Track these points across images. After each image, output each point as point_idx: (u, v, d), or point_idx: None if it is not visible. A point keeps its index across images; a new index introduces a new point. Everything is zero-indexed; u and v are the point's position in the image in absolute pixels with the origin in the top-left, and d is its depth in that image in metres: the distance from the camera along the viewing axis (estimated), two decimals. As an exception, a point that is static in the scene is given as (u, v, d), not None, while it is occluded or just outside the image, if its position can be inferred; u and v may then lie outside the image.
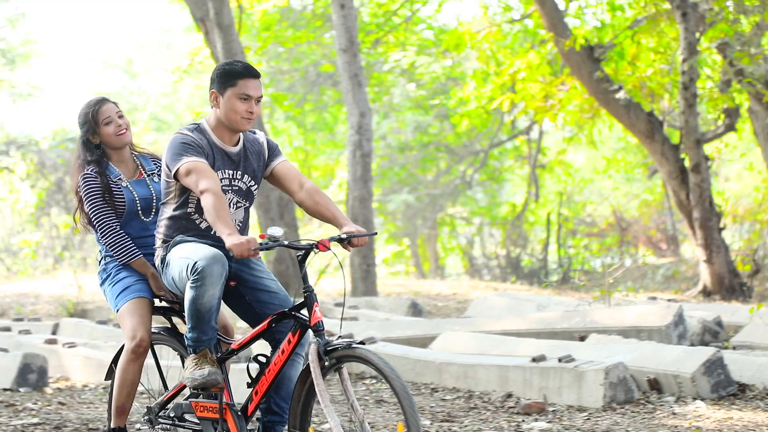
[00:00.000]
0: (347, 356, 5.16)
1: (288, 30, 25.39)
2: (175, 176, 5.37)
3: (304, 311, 5.31)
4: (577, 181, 31.33)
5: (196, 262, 5.21)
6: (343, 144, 29.98)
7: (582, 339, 9.78)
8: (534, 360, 8.07)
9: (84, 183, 5.77)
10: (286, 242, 5.24)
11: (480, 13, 23.78)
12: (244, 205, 5.58)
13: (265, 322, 5.41)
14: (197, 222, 5.48)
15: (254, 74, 5.42)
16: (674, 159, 17.05)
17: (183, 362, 5.72)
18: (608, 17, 22.02)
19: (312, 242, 5.30)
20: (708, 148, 22.38)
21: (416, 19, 26.58)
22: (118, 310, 5.68)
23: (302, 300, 5.32)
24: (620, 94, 17.48)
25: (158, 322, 6.02)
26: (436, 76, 27.78)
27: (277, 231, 5.18)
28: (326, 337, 5.21)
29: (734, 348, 9.34)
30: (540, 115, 20.72)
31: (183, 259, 5.31)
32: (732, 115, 20.60)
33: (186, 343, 5.45)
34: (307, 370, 5.25)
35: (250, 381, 5.44)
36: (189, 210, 5.48)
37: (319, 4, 25.70)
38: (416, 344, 9.99)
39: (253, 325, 5.58)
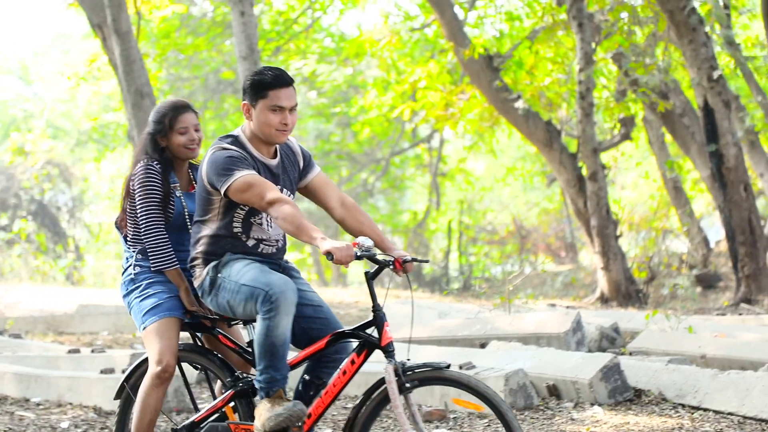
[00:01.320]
0: (433, 378, 4.97)
1: (188, 37, 25.20)
2: (225, 193, 5.00)
3: (370, 330, 5.05)
4: (477, 189, 31.62)
5: (268, 291, 4.89)
6: (243, 152, 29.80)
7: (483, 346, 9.84)
8: (435, 367, 8.08)
9: (145, 175, 5.32)
10: (376, 253, 4.99)
11: (381, 22, 23.89)
12: None
13: (323, 342, 5.09)
14: (243, 240, 5.15)
15: (286, 82, 5.09)
16: (572, 167, 17.30)
17: (208, 380, 5.44)
18: (507, 27, 22.29)
19: (389, 259, 5.05)
20: (605, 157, 22.75)
21: (317, 27, 26.59)
22: (144, 328, 5.27)
23: (370, 319, 5.06)
24: (519, 103, 17.69)
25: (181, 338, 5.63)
26: (337, 85, 27.81)
27: (368, 241, 4.95)
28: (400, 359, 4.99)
29: (631, 354, 9.48)
30: (440, 123, 20.88)
31: (248, 288, 4.97)
32: (628, 124, 20.99)
33: (257, 386, 5.01)
34: (372, 390, 5.03)
35: (303, 401, 5.12)
36: (235, 228, 5.13)
37: (219, 12, 25.55)
38: (318, 353, 9.95)
39: (295, 343, 5.19)
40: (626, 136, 21.80)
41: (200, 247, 5.18)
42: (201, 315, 5.33)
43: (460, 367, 7.92)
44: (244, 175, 4.95)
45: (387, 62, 23.78)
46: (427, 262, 5.44)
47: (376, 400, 5.05)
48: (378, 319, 5.01)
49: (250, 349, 5.20)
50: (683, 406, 7.49)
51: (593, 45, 16.61)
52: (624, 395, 7.71)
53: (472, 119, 22.02)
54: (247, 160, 5.04)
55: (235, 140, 5.15)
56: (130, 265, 5.40)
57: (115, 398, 5.58)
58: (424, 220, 30.71)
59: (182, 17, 24.97)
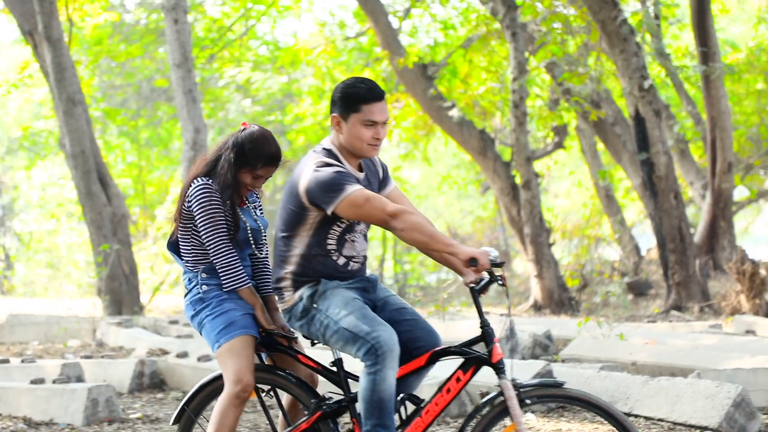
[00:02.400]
0: (550, 395, 4.86)
1: (120, 44, 25.00)
2: (333, 210, 4.78)
3: (477, 347, 4.91)
4: (412, 197, 31.69)
5: (374, 345, 4.73)
6: (177, 160, 29.63)
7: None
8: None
9: (205, 194, 5.08)
10: (503, 263, 4.84)
11: (316, 31, 23.89)
12: (366, 233, 5.12)
13: (423, 359, 4.92)
14: (335, 258, 4.96)
15: (379, 96, 4.92)
16: (506, 176, 17.41)
17: (279, 401, 5.21)
18: (441, 36, 22.39)
19: (497, 276, 4.84)
20: (538, 165, 22.93)
21: (252, 35, 26.51)
22: (218, 347, 5.05)
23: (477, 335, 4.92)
24: (453, 112, 17.77)
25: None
26: (272, 93, 27.73)
27: (494, 251, 4.79)
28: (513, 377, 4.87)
29: (563, 361, 9.55)
30: (375, 131, 20.86)
31: (350, 333, 4.80)
32: (561, 133, 21.19)
33: None
34: (483, 406, 4.89)
35: (400, 422, 4.95)
36: (329, 245, 4.95)
37: (153, 19, 25.39)
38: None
39: None
40: (559, 145, 22.01)
41: (289, 267, 4.98)
42: (278, 333, 5.15)
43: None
44: (357, 190, 4.76)
45: (322, 70, 23.75)
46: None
47: (488, 417, 4.90)
48: (487, 335, 4.86)
49: (334, 368, 5.06)
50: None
51: (526, 54, 16.74)
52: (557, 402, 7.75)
53: (407, 127, 22.09)
54: (352, 175, 4.87)
55: (330, 153, 4.96)
56: (195, 285, 5.18)
57: (174, 423, 5.31)
58: (359, 229, 30.71)
59: (115, 24, 24.77)
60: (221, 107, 28.51)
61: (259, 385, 5.18)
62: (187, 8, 16.76)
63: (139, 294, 16.26)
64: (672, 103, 23.34)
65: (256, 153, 5.12)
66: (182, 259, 5.23)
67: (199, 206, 5.07)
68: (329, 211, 4.80)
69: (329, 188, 4.78)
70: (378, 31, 18.53)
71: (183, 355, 9.67)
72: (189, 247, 5.19)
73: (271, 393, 5.24)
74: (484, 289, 4.88)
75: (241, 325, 5.05)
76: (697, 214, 23.42)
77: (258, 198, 5.40)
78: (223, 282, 5.09)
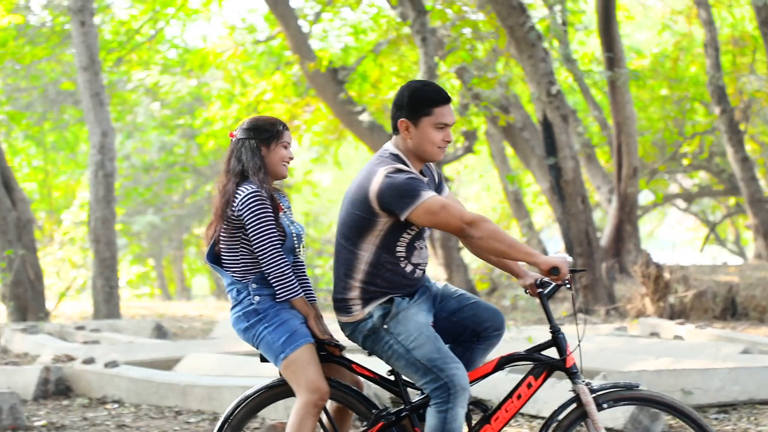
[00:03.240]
0: (626, 398, 4.85)
1: (25, 46, 24.58)
2: (407, 216, 4.67)
3: (548, 352, 4.90)
4: (324, 201, 31.68)
5: (447, 383, 4.67)
6: (85, 164, 29.26)
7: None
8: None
9: (256, 202, 4.91)
10: (577, 269, 4.84)
11: (225, 34, 23.76)
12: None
13: (491, 365, 4.87)
14: (403, 266, 4.83)
15: (448, 98, 4.85)
16: (416, 180, 17.48)
17: (327, 413, 5.06)
18: (352, 40, 22.42)
19: (564, 280, 4.80)
20: (448, 170, 23.07)
21: (160, 38, 26.27)
22: (284, 357, 4.91)
23: (548, 340, 4.91)
24: (364, 116, 17.81)
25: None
26: (181, 96, 27.52)
27: (569, 257, 4.75)
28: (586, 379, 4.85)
29: (472, 363, 9.61)
30: (286, 136, 20.81)
31: (423, 366, 4.71)
32: (470, 137, 21.34)
33: None
34: (559, 411, 4.87)
35: (468, 430, 4.90)
36: (398, 252, 4.82)
37: (59, 21, 25.02)
38: (160, 367, 9.83)
39: (449, 339, 4.95)
40: (469, 149, 22.16)
41: (357, 275, 4.83)
42: (331, 343, 5.01)
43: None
44: (432, 197, 4.66)
45: (232, 74, 23.64)
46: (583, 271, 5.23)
47: (565, 424, 4.86)
48: (558, 339, 4.85)
49: (392, 378, 4.98)
50: (522, 414, 7.62)
51: (436, 59, 16.83)
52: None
53: (317, 131, 22.09)
54: (423, 182, 4.77)
55: (399, 158, 4.84)
56: (245, 296, 4.99)
57: None
58: (269, 233, 30.61)
59: (19, 26, 24.36)
60: (129, 111, 28.21)
61: None
62: (94, 10, 16.56)
63: (45, 300, 16.01)
64: (579, 109, 23.67)
65: (274, 120, 5.10)
66: (227, 270, 5.04)
67: (252, 214, 4.90)
68: (403, 217, 4.68)
69: (405, 194, 4.67)
70: (288, 35, 18.49)
71: (89, 361, 9.54)
72: (237, 257, 5.02)
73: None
74: (552, 293, 4.87)
75: (303, 334, 4.92)
76: (604, 218, 23.77)
77: (289, 203, 5.28)
78: (277, 292, 4.94)
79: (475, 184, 33.09)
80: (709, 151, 26.07)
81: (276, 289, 4.93)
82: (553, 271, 4.62)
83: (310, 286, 5.16)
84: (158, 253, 31.27)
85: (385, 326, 4.80)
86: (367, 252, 4.81)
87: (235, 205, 4.94)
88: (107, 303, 16.11)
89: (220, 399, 8.36)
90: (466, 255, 20.41)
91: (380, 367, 5.05)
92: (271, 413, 7.93)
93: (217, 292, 30.06)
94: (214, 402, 8.40)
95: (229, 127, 23.12)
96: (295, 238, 5.03)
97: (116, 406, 8.97)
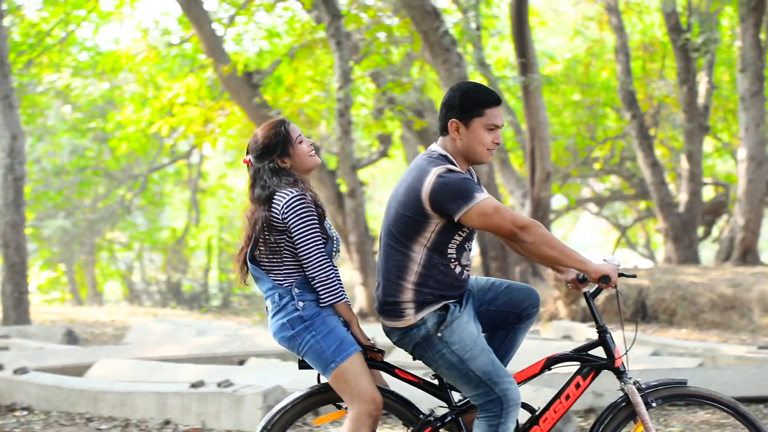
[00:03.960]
0: (675, 395, 4.85)
1: (-67, 47, 24.10)
2: (460, 217, 4.63)
3: (594, 352, 4.88)
4: (238, 205, 31.46)
5: (501, 398, 4.67)
6: (-6, 167, 28.74)
7: (241, 363, 9.81)
8: (193, 386, 8.01)
9: (301, 206, 4.79)
10: (630, 275, 4.80)
11: (139, 36, 23.52)
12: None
13: (538, 365, 4.87)
14: (453, 267, 4.78)
15: (500, 101, 4.84)
16: (331, 184, 17.48)
17: None
18: (266, 44, 22.35)
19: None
20: (363, 174, 23.09)
21: (72, 41, 25.92)
22: (335, 367, 4.80)
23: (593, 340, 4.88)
24: (278, 120, 17.73)
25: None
26: (93, 99, 27.18)
27: (618, 260, 4.74)
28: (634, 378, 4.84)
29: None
30: (200, 139, 20.71)
31: (478, 379, 4.70)
32: (385, 141, 21.39)
33: None
34: (609, 410, 4.86)
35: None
36: (449, 254, 4.76)
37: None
38: (71, 373, 9.70)
39: (491, 327, 4.97)
40: (384, 154, 22.22)
41: (410, 277, 4.77)
42: (374, 348, 4.92)
43: (218, 385, 7.86)
44: (486, 199, 4.63)
45: (145, 77, 23.42)
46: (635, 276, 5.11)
47: (614, 423, 4.86)
48: (605, 339, 4.85)
49: (435, 381, 4.95)
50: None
51: (351, 63, 16.85)
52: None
53: (232, 135, 21.95)
54: (476, 182, 4.77)
55: (448, 160, 4.80)
56: (288, 301, 4.86)
57: None
58: (183, 237, 30.36)
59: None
60: (40, 114, 27.76)
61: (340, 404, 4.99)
62: (4, 12, 16.29)
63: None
64: (493, 113, 23.83)
65: (273, 129, 4.97)
66: (268, 274, 4.91)
67: (297, 217, 4.78)
68: (457, 218, 4.63)
69: (459, 194, 4.62)
70: (202, 38, 18.37)
71: (-2, 368, 9.38)
72: (278, 261, 4.89)
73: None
74: (598, 293, 4.88)
75: (352, 342, 4.82)
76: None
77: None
78: (321, 297, 4.82)
79: (390, 188, 33.17)
80: (620, 156, 26.44)
81: (321, 293, 4.81)
82: (603, 279, 4.62)
83: (342, 288, 5.05)
84: (69, 257, 30.83)
85: (439, 334, 4.73)
86: (418, 254, 4.74)
87: (278, 210, 4.81)
88: (16, 308, 15.84)
89: (133, 405, 8.27)
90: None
91: (423, 370, 5.03)
92: (185, 418, 7.87)
93: (130, 297, 29.74)
94: (126, 408, 8.31)
95: (143, 130, 22.92)
96: (334, 242, 4.94)
97: (25, 413, 8.82)
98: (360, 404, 4.78)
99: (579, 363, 4.90)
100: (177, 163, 29.54)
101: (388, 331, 4.87)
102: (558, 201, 29.50)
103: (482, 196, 4.61)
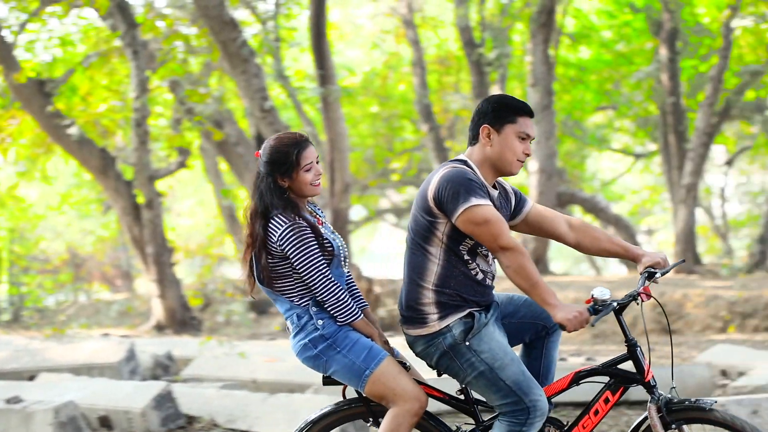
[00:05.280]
0: (697, 418, 4.61)
1: None
2: (455, 218, 4.54)
3: (623, 366, 4.70)
4: (30, 216, 30.55)
5: (530, 408, 4.57)
6: None
7: (32, 378, 9.54)
8: (-20, 404, 7.74)
9: (295, 232, 4.68)
10: (616, 303, 4.53)
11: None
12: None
13: (566, 380, 4.73)
14: (473, 273, 4.67)
15: (533, 113, 4.77)
16: (128, 195, 17.16)
17: None
18: (60, 52, 21.79)
19: (633, 292, 4.63)
20: (161, 185, 22.76)
21: None
22: (370, 374, 4.67)
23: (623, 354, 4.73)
24: (73, 130, 17.33)
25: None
26: None
27: (605, 293, 4.51)
28: (664, 394, 4.63)
29: (184, 381, 9.54)
30: (-11, 149, 20.01)
31: (507, 387, 4.59)
32: (184, 152, 21.15)
33: None
34: (636, 429, 4.70)
35: None
36: (465, 256, 4.65)
37: None
38: None
39: (516, 341, 4.84)
40: (182, 164, 21.96)
41: (430, 278, 4.66)
42: (401, 362, 4.79)
43: (7, 402, 7.62)
44: (482, 206, 4.52)
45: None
46: (683, 262, 4.95)
47: None
48: (635, 353, 4.67)
49: (462, 397, 4.82)
50: (234, 431, 7.62)
51: (148, 73, 16.62)
52: (176, 423, 7.74)
53: (24, 145, 21.30)
54: (484, 188, 4.63)
55: (466, 164, 4.70)
56: (307, 321, 4.76)
57: None
58: (-28, 250, 29.28)
59: None
60: None
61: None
62: None
63: None
64: (292, 124, 23.89)
65: (287, 147, 4.81)
66: (284, 296, 4.80)
67: (293, 248, 4.70)
68: (453, 219, 4.56)
69: (456, 195, 4.54)
70: (-8, 45, 17.77)
71: None
72: (291, 284, 4.80)
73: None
74: (622, 309, 4.68)
75: (380, 348, 4.73)
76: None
77: (325, 215, 5.04)
78: (337, 317, 4.74)
79: (189, 199, 32.80)
80: (418, 168, 26.91)
81: (335, 315, 4.74)
82: (560, 326, 4.52)
83: (361, 296, 5.00)
84: None
85: (467, 343, 4.64)
86: (436, 254, 4.66)
87: (274, 240, 4.72)
88: None
89: None
90: (180, 270, 20.23)
91: (450, 386, 4.92)
92: None
93: None
94: None
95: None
96: (341, 249, 4.85)
97: None
98: (404, 403, 4.70)
99: (608, 377, 4.78)
100: (-35, 173, 28.48)
101: (412, 341, 4.76)
102: (357, 212, 29.76)
103: (477, 202, 4.54)
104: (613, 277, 21.75)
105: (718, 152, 30.74)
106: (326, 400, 7.29)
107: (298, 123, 23.02)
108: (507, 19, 21.52)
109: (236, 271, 23.02)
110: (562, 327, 4.49)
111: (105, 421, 7.81)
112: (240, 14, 19.39)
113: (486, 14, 21.76)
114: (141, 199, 16.47)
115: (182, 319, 16.30)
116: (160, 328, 16.27)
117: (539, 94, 18.40)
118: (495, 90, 21.40)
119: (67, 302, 20.81)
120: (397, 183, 28.32)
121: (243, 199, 26.17)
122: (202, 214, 31.75)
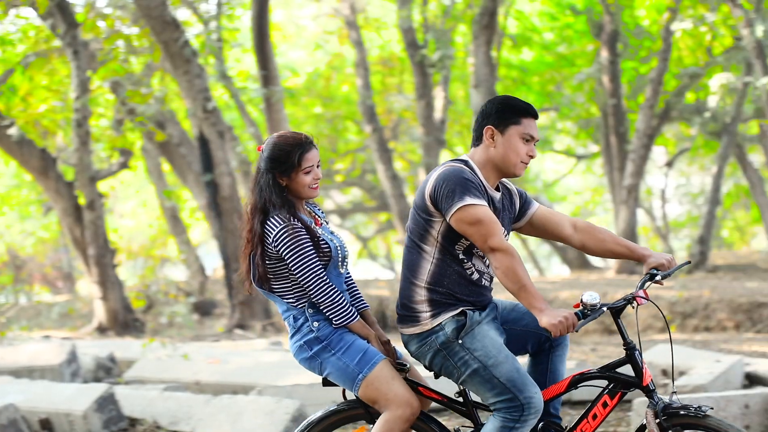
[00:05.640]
0: (694, 424, 4.56)
1: None
2: (448, 217, 4.53)
3: (623, 369, 4.65)
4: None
5: (524, 405, 4.54)
6: None
7: (-29, 383, 9.42)
8: None
9: (290, 233, 4.67)
10: (605, 308, 4.48)
11: None
12: None
13: (564, 383, 4.69)
14: (468, 272, 4.65)
15: (537, 115, 4.74)
16: (69, 196, 17.00)
17: None
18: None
19: (628, 296, 4.60)
20: (102, 186, 22.58)
21: None
22: (363, 377, 4.66)
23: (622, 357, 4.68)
24: (12, 130, 17.15)
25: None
26: None
27: (594, 297, 4.45)
28: (663, 398, 4.60)
29: (127, 383, 9.49)
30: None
31: (501, 385, 4.56)
32: (126, 153, 21.01)
33: None
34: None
35: None
36: (460, 255, 4.64)
37: None
38: None
39: (518, 349, 4.80)
40: (124, 165, 21.80)
41: (423, 276, 4.67)
42: (398, 364, 4.79)
43: (-54, 407, 7.53)
44: (475, 205, 4.51)
45: None
46: (689, 263, 4.94)
47: None
48: (633, 357, 4.63)
49: (461, 399, 4.80)
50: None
51: (89, 73, 16.48)
52: (119, 425, 7.70)
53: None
54: (480, 188, 4.61)
55: (466, 164, 4.69)
56: (303, 322, 4.77)
57: None
58: None
59: None
60: None
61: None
62: None
63: None
64: (236, 125, 23.82)
65: (288, 147, 4.79)
66: (281, 297, 4.80)
67: (288, 249, 4.69)
68: (447, 218, 4.55)
69: (451, 189, 4.54)
70: (-71, 44, 17.55)
71: None
72: (288, 285, 4.79)
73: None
74: (619, 311, 4.68)
75: (375, 351, 4.73)
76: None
77: (324, 213, 5.01)
78: (332, 320, 4.74)
79: (131, 200, 32.56)
80: (362, 169, 26.94)
81: (331, 317, 4.74)
82: (545, 330, 4.50)
83: (361, 297, 5.00)
84: None
85: (460, 340, 4.63)
86: (431, 252, 4.66)
87: (269, 241, 4.72)
88: None
89: None
90: (123, 272, 20.09)
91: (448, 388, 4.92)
92: None
93: None
94: None
95: None
96: (339, 250, 4.83)
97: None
98: (396, 409, 4.70)
99: (606, 381, 4.75)
100: None
101: (407, 341, 4.76)
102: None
103: (472, 201, 4.54)
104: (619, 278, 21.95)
105: (658, 153, 31.09)
106: (270, 401, 7.29)
107: (241, 124, 22.96)
108: (450, 21, 21.61)
109: (179, 273, 22.90)
110: (547, 332, 4.51)
111: (46, 424, 7.75)
112: (182, 14, 19.31)
113: (429, 16, 21.84)
114: (82, 201, 16.33)
115: (125, 321, 16.19)
116: (102, 330, 16.15)
117: (482, 96, 18.48)
118: (437, 91, 21.48)
119: (8, 304, 20.58)
120: (341, 184, 28.33)
121: (185, 200, 26.06)
122: (145, 215, 31.53)
